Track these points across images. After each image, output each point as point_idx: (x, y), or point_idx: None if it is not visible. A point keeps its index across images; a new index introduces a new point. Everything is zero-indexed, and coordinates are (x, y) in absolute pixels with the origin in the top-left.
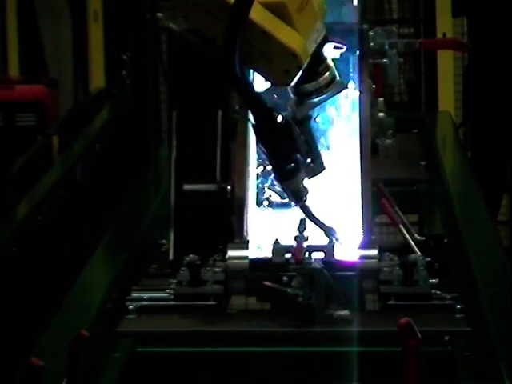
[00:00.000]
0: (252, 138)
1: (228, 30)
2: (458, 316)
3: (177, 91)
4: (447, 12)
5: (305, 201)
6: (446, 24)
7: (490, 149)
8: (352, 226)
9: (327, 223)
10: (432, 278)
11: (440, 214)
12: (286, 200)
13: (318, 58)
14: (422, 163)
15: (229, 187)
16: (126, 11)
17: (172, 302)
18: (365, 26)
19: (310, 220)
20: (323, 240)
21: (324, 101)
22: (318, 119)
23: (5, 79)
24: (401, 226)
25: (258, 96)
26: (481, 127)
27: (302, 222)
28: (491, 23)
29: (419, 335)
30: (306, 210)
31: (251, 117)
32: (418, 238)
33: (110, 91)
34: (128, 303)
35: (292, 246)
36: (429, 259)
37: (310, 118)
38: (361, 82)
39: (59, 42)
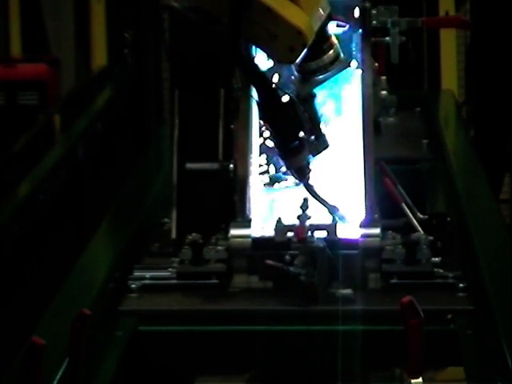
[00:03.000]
0: (255, 116)
1: (233, 8)
2: (460, 294)
3: (179, 70)
4: None
5: (308, 179)
6: (448, 2)
7: (492, 127)
8: (355, 204)
9: (330, 202)
10: (434, 257)
11: (443, 192)
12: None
13: (322, 35)
14: (425, 141)
15: (231, 166)
16: None
17: (174, 281)
18: (367, 4)
19: (314, 198)
20: (326, 219)
21: (328, 78)
22: (321, 97)
23: (7, 58)
24: (403, 204)
25: (263, 74)
26: (483, 106)
27: (305, 200)
28: (494, 1)
29: (421, 314)
30: (309, 189)
31: (255, 95)
32: (421, 216)
33: (111, 70)
34: (130, 282)
35: (295, 225)
36: (431, 238)
37: (313, 95)
38: (363, 61)
39: (61, 21)
